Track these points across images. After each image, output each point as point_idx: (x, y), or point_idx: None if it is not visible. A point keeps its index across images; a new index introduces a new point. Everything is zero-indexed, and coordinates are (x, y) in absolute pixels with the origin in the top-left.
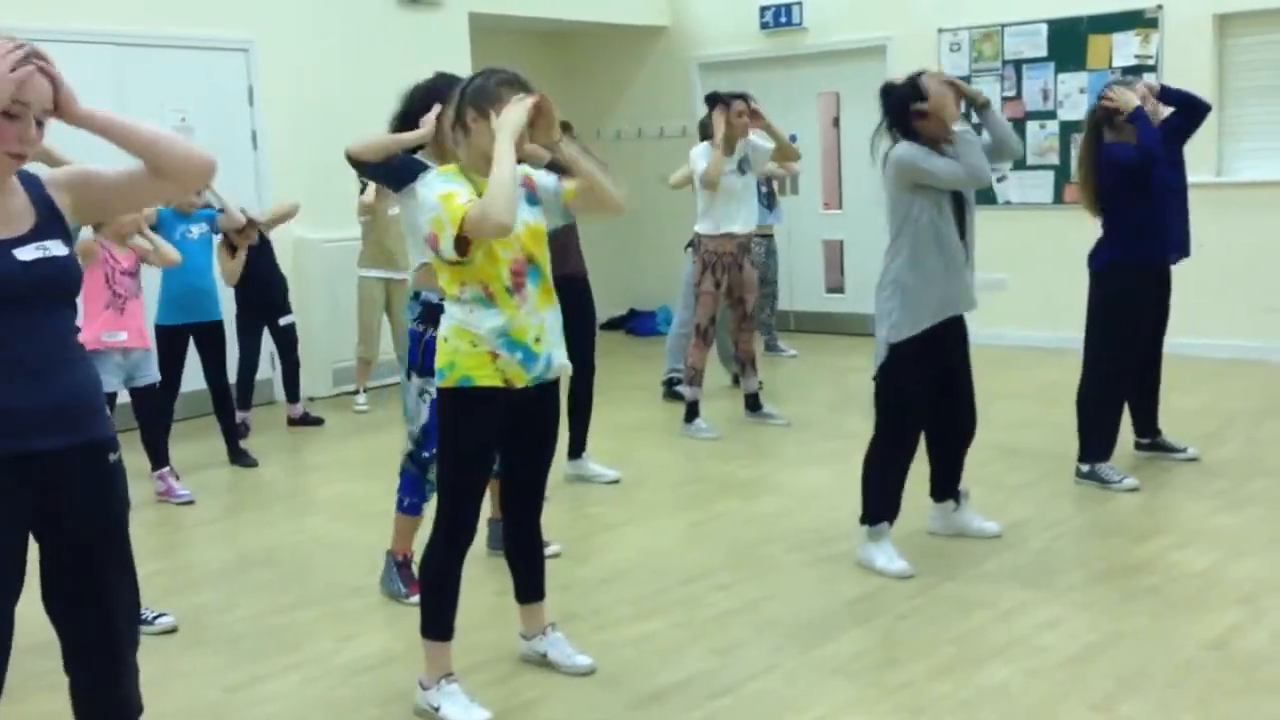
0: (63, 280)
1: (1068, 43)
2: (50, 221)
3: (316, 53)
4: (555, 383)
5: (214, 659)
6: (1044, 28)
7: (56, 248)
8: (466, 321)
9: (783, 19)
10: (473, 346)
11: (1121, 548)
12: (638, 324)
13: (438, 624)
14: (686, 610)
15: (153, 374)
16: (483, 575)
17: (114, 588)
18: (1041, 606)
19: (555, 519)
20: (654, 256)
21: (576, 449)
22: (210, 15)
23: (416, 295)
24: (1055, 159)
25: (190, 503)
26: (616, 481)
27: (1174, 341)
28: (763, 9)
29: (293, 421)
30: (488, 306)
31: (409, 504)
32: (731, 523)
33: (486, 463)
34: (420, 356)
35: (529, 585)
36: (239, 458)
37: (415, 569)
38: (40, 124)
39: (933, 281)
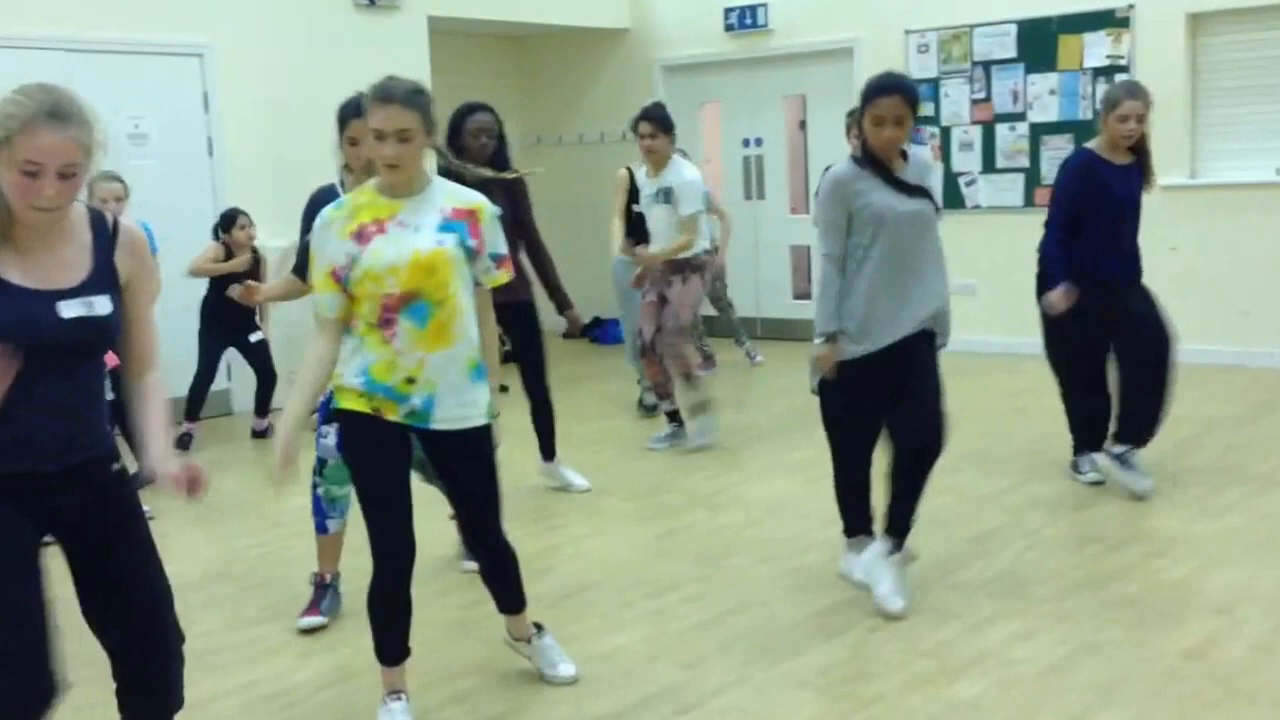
0: (98, 340)
1: (1038, 43)
2: (103, 276)
3: (273, 58)
4: (469, 435)
5: None
6: (1013, 28)
7: (101, 305)
8: (341, 358)
9: (748, 20)
10: (340, 379)
11: (1097, 557)
12: (601, 332)
13: (380, 649)
14: (654, 623)
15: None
16: (449, 587)
17: (145, 578)
18: (1015, 618)
19: (520, 530)
20: None
21: (547, 454)
22: (165, 20)
23: None
24: (1025, 162)
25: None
26: (587, 490)
27: None
28: (727, 10)
29: (256, 434)
30: (352, 337)
31: (316, 523)
32: (698, 534)
33: (380, 486)
34: None
35: (504, 598)
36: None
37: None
38: (67, 178)
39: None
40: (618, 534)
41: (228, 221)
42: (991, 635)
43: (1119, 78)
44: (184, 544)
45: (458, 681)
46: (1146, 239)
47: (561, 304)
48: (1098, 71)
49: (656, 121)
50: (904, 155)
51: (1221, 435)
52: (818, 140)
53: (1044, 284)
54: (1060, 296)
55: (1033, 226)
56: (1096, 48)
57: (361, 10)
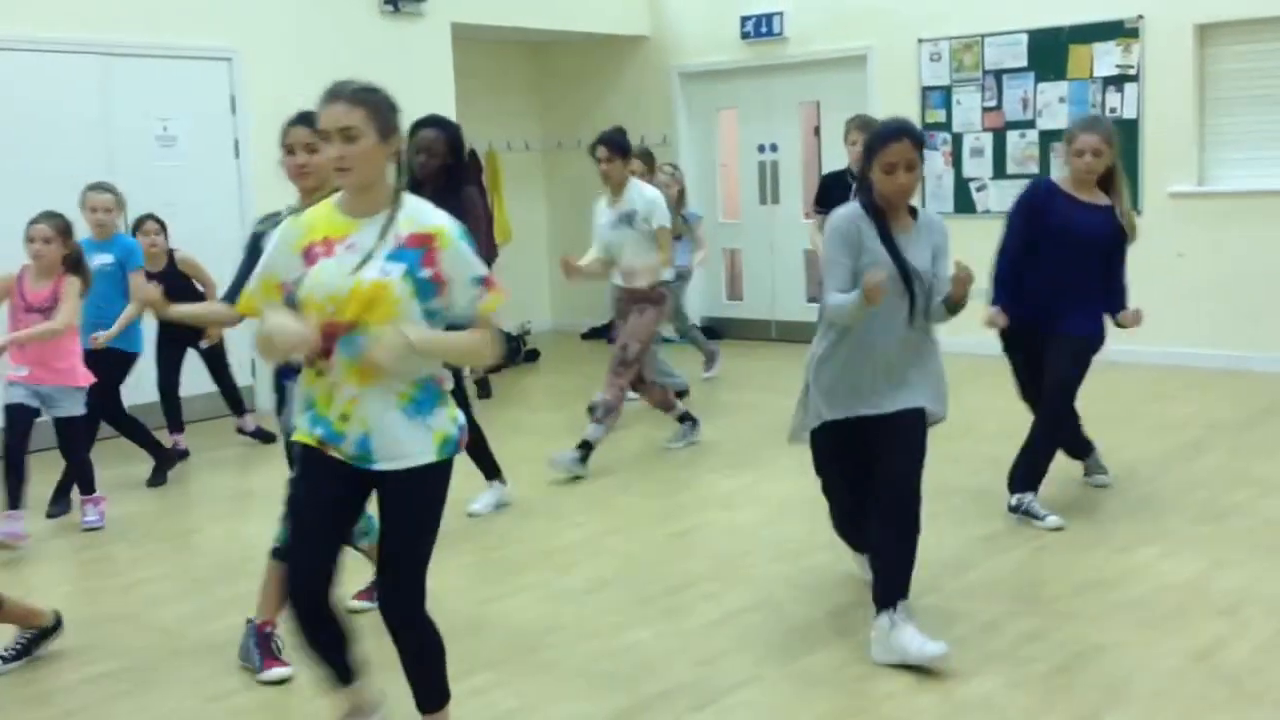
0: None
1: (1048, 53)
2: None
3: (299, 62)
4: (412, 474)
5: (196, 669)
6: (1024, 38)
7: None
8: (295, 393)
9: (764, 29)
10: (297, 420)
11: (1106, 558)
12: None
13: (321, 676)
14: (670, 620)
15: (67, 408)
16: (467, 584)
17: None
18: (1025, 618)
19: (539, 527)
20: None
21: (490, 474)
22: (194, 25)
23: None
24: (1035, 168)
25: (98, 528)
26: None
27: (1158, 350)
28: (744, 19)
29: (241, 432)
30: (305, 367)
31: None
32: (714, 533)
33: (301, 519)
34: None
35: (420, 690)
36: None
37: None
38: None
39: (835, 371)
40: (635, 532)
41: (134, 229)
42: (1002, 635)
43: (1128, 87)
44: (210, 538)
45: (474, 676)
46: (1154, 245)
47: None
48: (1107, 80)
49: (613, 145)
50: (914, 213)
51: (1227, 438)
52: (831, 146)
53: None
54: (992, 316)
55: None
56: (1106, 57)
57: (386, 16)
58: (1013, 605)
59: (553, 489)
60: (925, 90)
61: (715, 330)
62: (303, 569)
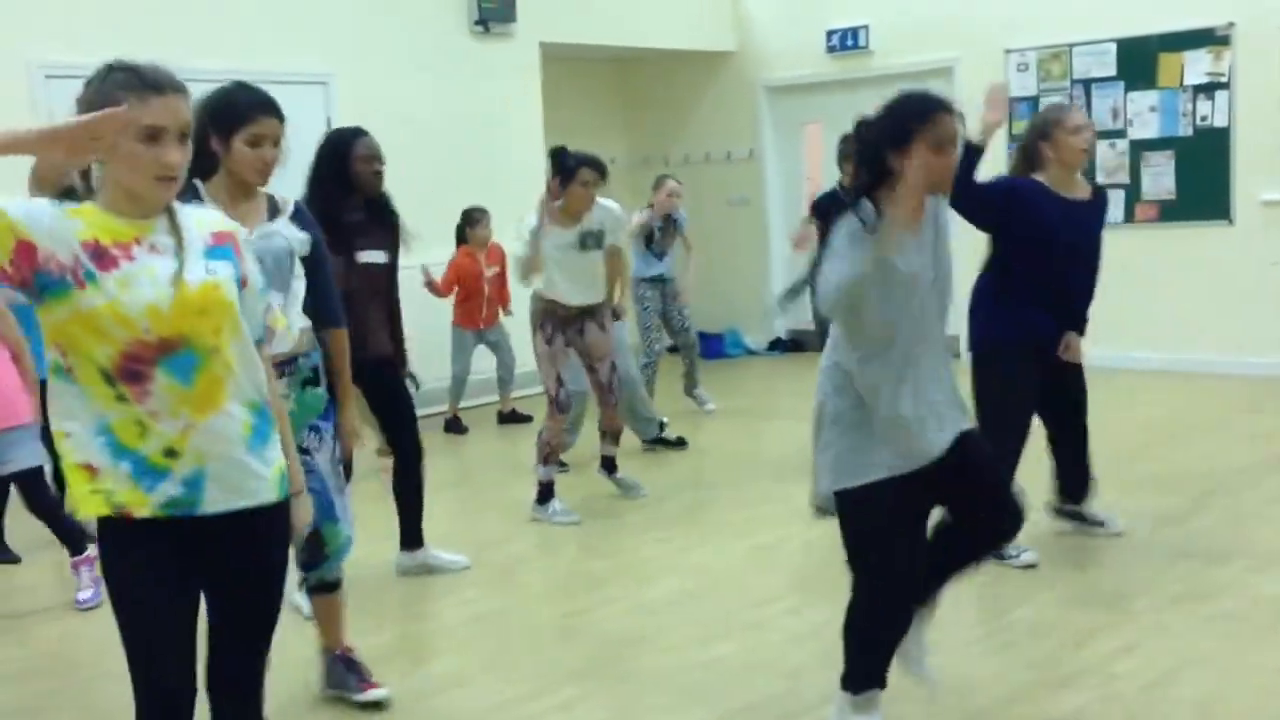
0: None
1: (1138, 61)
2: None
3: (392, 83)
4: (244, 521)
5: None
6: (1113, 47)
7: None
8: (59, 413)
9: (849, 42)
10: (70, 454)
11: (1197, 571)
12: (705, 347)
13: None
14: (753, 634)
15: (15, 460)
16: (550, 593)
17: None
18: (1116, 631)
19: (627, 539)
20: (722, 279)
21: (413, 540)
22: (290, 49)
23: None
24: (1125, 178)
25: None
26: (467, 568)
27: (1250, 360)
28: (829, 32)
29: None
30: (71, 385)
31: None
32: (796, 546)
33: (145, 609)
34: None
35: None
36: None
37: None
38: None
39: None
40: (717, 545)
41: None
42: (1093, 648)
43: (1218, 94)
44: None
45: (561, 689)
46: (1246, 254)
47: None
48: (1198, 89)
49: (602, 170)
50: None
51: None
52: None
53: None
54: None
55: (1134, 241)
56: (1197, 65)
57: (477, 36)
58: (1104, 618)
59: (635, 503)
60: (1013, 101)
61: (800, 343)
62: (155, 669)
